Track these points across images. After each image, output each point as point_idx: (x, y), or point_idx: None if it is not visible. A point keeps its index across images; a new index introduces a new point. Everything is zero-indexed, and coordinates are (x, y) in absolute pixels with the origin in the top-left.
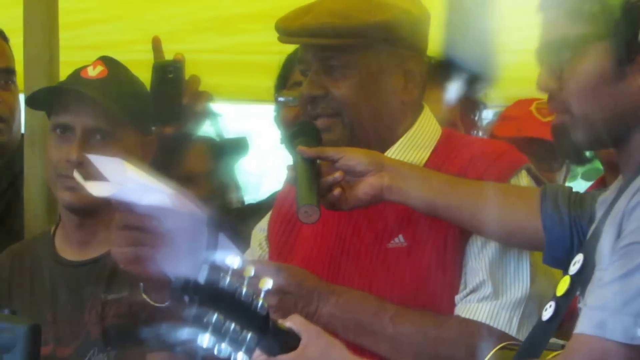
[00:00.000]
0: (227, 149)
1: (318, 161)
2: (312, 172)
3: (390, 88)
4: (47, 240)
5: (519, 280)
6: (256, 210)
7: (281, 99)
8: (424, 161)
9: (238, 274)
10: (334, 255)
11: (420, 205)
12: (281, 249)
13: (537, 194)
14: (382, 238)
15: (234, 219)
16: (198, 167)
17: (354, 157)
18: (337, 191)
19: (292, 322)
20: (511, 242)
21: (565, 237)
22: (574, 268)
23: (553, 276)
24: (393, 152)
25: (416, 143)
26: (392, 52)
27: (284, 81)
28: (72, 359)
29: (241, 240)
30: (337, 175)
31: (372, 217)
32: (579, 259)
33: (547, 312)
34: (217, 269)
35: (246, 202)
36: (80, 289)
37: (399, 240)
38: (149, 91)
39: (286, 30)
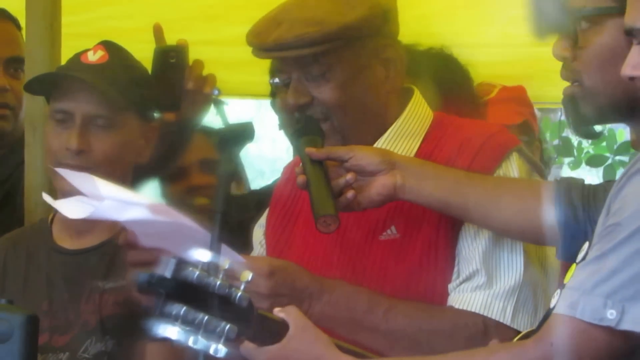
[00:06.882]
0: (232, 136)
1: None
2: (323, 176)
3: (372, 81)
4: (44, 228)
5: (513, 268)
6: (260, 198)
7: (276, 81)
8: (415, 149)
9: (214, 267)
10: (328, 249)
11: (434, 204)
12: (277, 243)
13: (551, 189)
14: (375, 230)
15: (238, 207)
16: (202, 155)
17: (364, 157)
18: (350, 194)
19: (286, 313)
20: (525, 239)
21: (580, 233)
22: (580, 256)
23: (548, 263)
24: (382, 143)
25: (406, 131)
26: (369, 45)
27: None
28: (69, 348)
29: (243, 231)
30: (349, 177)
31: (365, 210)
32: (585, 246)
33: (555, 300)
34: (186, 264)
35: (252, 189)
36: (77, 277)
37: (391, 231)
38: (151, 77)
39: (261, 46)
